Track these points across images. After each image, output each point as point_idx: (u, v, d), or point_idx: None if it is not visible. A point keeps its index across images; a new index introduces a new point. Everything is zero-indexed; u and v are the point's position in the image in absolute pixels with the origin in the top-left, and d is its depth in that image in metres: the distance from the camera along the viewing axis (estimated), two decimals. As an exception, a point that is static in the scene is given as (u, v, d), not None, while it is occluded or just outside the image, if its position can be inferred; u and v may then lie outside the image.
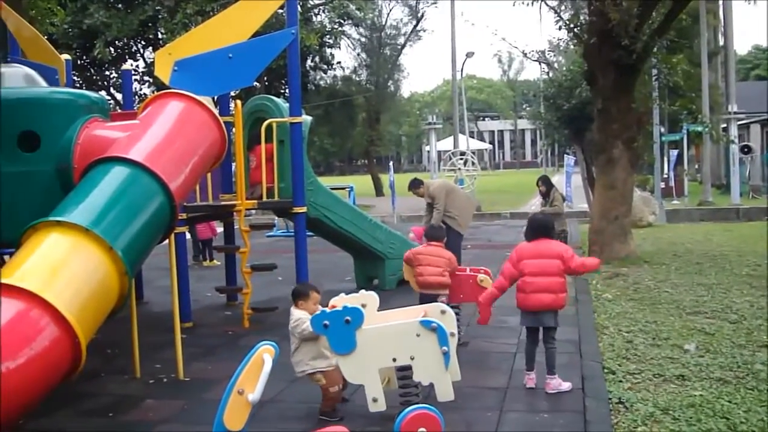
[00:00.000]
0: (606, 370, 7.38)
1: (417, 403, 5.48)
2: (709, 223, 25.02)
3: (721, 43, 42.65)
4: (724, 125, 33.14)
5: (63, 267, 5.60)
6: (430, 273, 8.18)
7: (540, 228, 7.06)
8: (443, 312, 6.08)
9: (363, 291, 6.46)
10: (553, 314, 6.90)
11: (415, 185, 13.21)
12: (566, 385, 6.85)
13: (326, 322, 5.75)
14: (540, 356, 6.98)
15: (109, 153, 6.71)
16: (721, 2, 37.75)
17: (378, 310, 6.40)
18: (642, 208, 22.75)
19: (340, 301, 6.16)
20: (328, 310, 5.94)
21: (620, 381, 7.04)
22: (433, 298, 7.73)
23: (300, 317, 6.13)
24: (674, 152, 34.04)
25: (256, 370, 4.54)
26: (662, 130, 30.54)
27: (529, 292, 6.80)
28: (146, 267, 10.08)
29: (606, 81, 14.69)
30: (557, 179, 30.33)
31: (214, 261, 16.69)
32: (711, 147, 34.69)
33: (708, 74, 32.04)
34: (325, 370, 6.14)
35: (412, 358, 5.79)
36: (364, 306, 6.05)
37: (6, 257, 7.93)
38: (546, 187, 15.09)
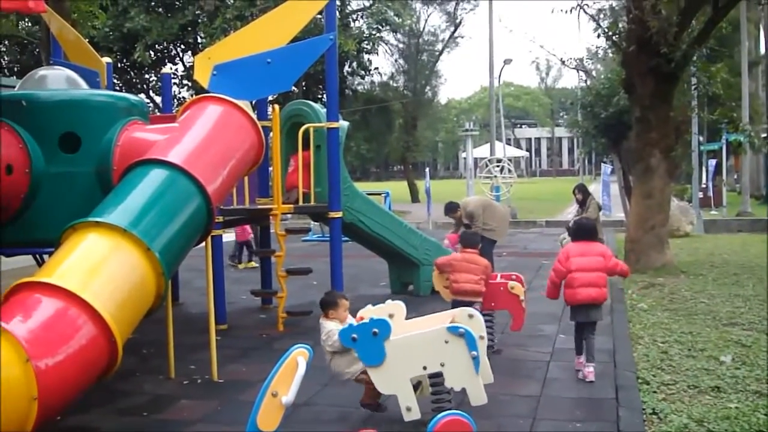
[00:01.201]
0: (640, 381, 7.32)
1: (449, 409, 5.48)
2: (747, 234, 24.70)
3: (762, 52, 42.19)
4: (764, 135, 32.77)
5: (101, 267, 5.67)
6: (465, 280, 8.14)
7: (584, 230, 7.86)
8: (471, 316, 6.07)
9: (389, 300, 6.45)
10: (600, 308, 7.62)
11: (451, 209, 13.16)
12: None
13: (354, 335, 5.76)
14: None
15: (148, 155, 6.79)
16: (762, 11, 37.27)
17: (411, 317, 6.41)
18: (679, 217, 22.55)
19: (367, 313, 6.16)
20: (355, 323, 5.95)
21: (654, 391, 6.98)
22: (467, 306, 7.68)
23: (331, 329, 6.11)
24: (713, 162, 33.70)
25: (290, 373, 4.57)
26: (701, 139, 30.25)
27: (576, 287, 7.44)
28: (183, 268, 10.17)
29: (644, 89, 14.59)
30: (594, 188, 30.16)
31: (252, 262, 16.81)
32: (750, 157, 34.27)
33: (748, 84, 31.70)
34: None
35: (443, 365, 5.77)
36: (391, 316, 6.06)
37: (45, 257, 8.03)
38: (582, 195, 15.00)
